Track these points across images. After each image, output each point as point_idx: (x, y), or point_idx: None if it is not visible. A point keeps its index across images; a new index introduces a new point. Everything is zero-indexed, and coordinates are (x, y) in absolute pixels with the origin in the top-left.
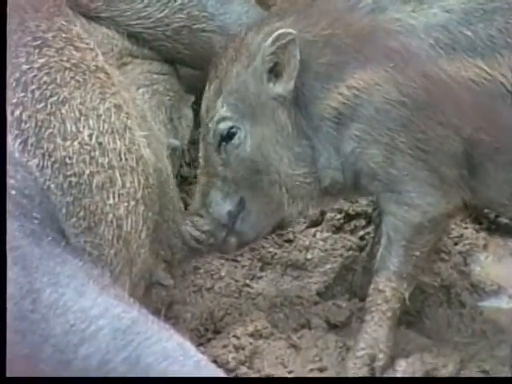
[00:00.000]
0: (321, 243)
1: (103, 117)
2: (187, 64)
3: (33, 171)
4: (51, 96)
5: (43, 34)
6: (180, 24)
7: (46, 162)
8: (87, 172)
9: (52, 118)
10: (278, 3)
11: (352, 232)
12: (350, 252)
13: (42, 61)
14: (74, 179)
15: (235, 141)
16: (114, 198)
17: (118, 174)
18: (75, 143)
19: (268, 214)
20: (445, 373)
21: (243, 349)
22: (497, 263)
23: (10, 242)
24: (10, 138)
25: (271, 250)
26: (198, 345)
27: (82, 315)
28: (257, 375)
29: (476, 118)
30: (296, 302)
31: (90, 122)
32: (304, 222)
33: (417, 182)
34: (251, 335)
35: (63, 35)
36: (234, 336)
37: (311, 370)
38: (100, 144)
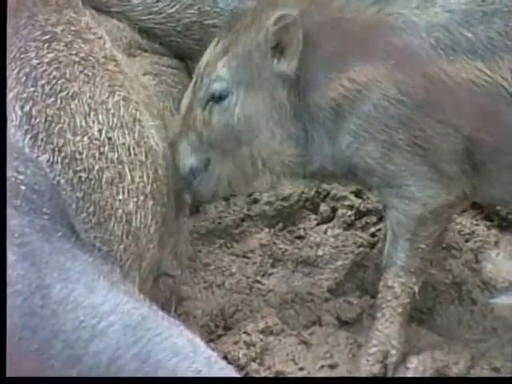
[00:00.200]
0: (332, 240)
1: (112, 111)
2: (198, 60)
3: (43, 166)
4: (61, 91)
5: (52, 27)
6: (191, 19)
7: (55, 158)
8: (97, 167)
9: (62, 113)
10: None
11: (363, 229)
12: (361, 249)
13: (51, 55)
14: (83, 174)
15: (224, 104)
16: (123, 193)
17: (127, 169)
18: (85, 138)
19: (231, 182)
20: (456, 370)
21: (254, 345)
22: (508, 260)
23: (20, 237)
24: (19, 134)
25: (282, 246)
26: (209, 341)
27: (92, 311)
28: (267, 372)
29: (476, 117)
30: (307, 299)
31: (100, 116)
32: (315, 219)
33: (416, 176)
34: (262, 332)
35: (72, 28)
36: (245, 332)
37: (322, 366)
38: (109, 139)
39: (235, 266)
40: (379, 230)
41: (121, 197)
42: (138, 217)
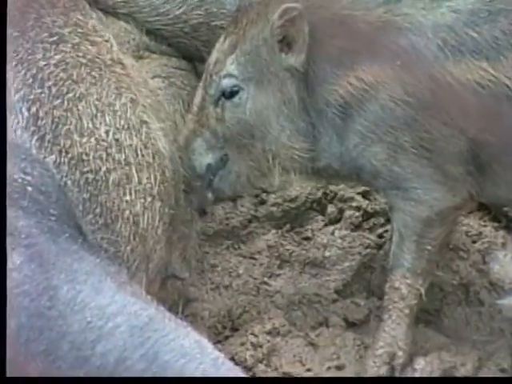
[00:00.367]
0: (339, 241)
1: (119, 112)
2: (206, 61)
3: (50, 168)
4: (68, 92)
5: (59, 29)
6: (198, 21)
7: (62, 159)
8: (104, 169)
9: (69, 115)
10: None
11: (370, 230)
12: (369, 250)
13: (58, 57)
14: (90, 176)
15: (235, 100)
16: (130, 194)
17: (134, 171)
18: (92, 140)
19: (249, 177)
20: (463, 371)
21: (261, 346)
22: None
23: (27, 238)
24: (26, 135)
25: (289, 247)
26: (216, 342)
27: (99, 312)
28: (274, 373)
29: (481, 119)
30: (314, 300)
31: (107, 118)
32: (322, 220)
33: (422, 178)
34: (269, 333)
35: (79, 30)
36: (252, 334)
37: (329, 367)
38: (117, 140)
39: (242, 268)
40: (386, 231)
41: (128, 198)
42: (146, 218)
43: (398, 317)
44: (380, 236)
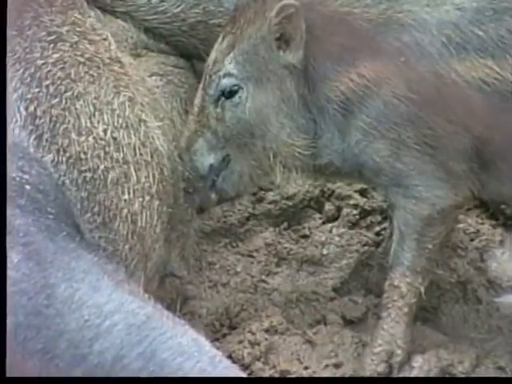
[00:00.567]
0: (337, 239)
1: (118, 111)
2: (204, 59)
3: (47, 166)
4: (66, 91)
5: (57, 28)
6: (196, 19)
7: (60, 158)
8: (102, 167)
9: (67, 114)
10: None
11: (368, 228)
12: (366, 248)
13: (56, 56)
14: (88, 174)
15: (235, 99)
16: (128, 193)
17: (132, 169)
18: (90, 138)
19: (252, 176)
20: (461, 369)
21: (258, 344)
22: None
23: (25, 236)
24: (24, 134)
25: (287, 245)
26: (213, 340)
27: (96, 310)
28: (272, 371)
29: (486, 117)
30: (312, 298)
31: (105, 116)
32: (320, 218)
33: (424, 175)
34: (267, 331)
35: (77, 29)
36: (250, 331)
37: (327, 365)
38: (115, 139)
39: (240, 265)
40: (384, 228)
41: (126, 197)
42: (144, 217)
43: (396, 315)
44: (378, 234)
